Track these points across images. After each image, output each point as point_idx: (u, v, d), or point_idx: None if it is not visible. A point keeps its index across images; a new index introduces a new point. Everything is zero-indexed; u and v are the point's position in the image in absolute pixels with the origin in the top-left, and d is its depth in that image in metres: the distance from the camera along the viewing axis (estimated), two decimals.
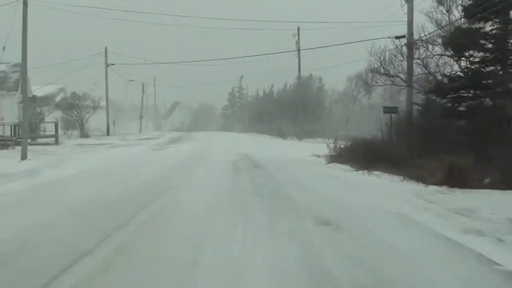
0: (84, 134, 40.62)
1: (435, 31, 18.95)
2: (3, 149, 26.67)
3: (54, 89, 50.74)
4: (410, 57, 19.88)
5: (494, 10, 14.67)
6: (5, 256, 5.34)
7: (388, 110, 19.49)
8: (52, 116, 46.63)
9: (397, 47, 19.07)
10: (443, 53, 17.98)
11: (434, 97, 18.98)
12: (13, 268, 4.92)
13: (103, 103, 45.38)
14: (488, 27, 15.62)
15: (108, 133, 45.29)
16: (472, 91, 16.16)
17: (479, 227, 6.66)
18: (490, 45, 15.61)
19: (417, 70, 19.15)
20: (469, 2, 16.26)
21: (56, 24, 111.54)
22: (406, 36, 20.74)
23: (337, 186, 11.63)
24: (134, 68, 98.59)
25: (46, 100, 43.93)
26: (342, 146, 18.79)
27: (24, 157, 20.75)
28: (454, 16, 18.81)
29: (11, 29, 23.39)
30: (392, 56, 18.61)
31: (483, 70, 15.82)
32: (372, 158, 15.76)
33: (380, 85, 19.22)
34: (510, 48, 15.39)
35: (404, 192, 9.94)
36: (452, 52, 17.06)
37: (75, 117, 41.52)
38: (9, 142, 28.61)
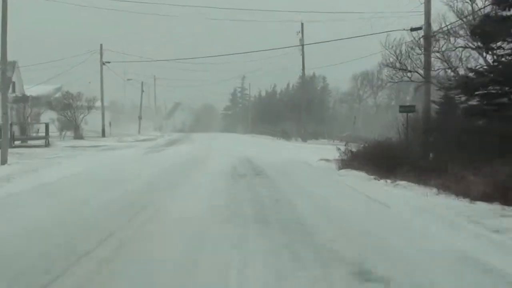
0: (78, 136, 38.74)
1: (457, 21, 17.03)
2: None
3: (50, 89, 49.06)
4: (428, 50, 17.97)
5: None
6: None
7: (404, 109, 17.58)
8: (48, 117, 44.97)
9: (414, 39, 17.15)
10: (467, 45, 16.08)
11: (453, 95, 17.25)
12: None
13: (98, 103, 43.51)
14: None
15: (103, 135, 43.38)
16: (499, 88, 14.31)
17: None
18: None
19: (437, 64, 17.22)
20: None
21: (54, 21, 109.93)
22: (423, 27, 18.87)
23: (360, 204, 9.32)
24: (134, 68, 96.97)
25: (41, 100, 42.20)
26: (354, 150, 16.91)
27: (3, 161, 18.88)
28: (477, 5, 16.93)
29: None
30: (409, 49, 16.68)
31: None
32: (391, 164, 13.89)
33: (396, 82, 17.28)
34: None
35: (452, 214, 7.73)
36: (478, 43, 15.16)
37: (68, 118, 39.64)
38: None
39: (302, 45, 44.18)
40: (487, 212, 7.53)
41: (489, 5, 15.31)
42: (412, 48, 16.80)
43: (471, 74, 14.76)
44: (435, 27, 16.92)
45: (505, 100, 14.21)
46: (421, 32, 18.21)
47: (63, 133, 39.22)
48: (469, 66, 15.85)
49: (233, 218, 7.63)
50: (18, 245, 5.97)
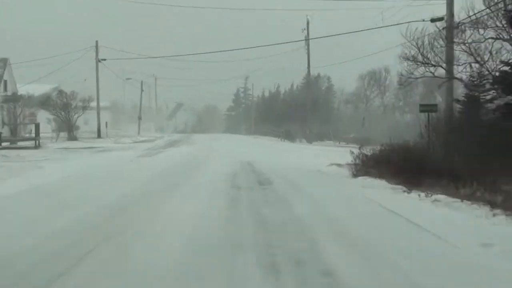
0: (72, 137, 36.87)
1: (485, 9, 15.11)
2: None
3: (48, 88, 47.34)
4: (451, 42, 16.10)
5: None
6: None
7: (425, 108, 15.70)
8: (45, 117, 43.17)
9: (438, 28, 15.25)
10: (498, 36, 14.19)
11: (478, 92, 15.44)
12: None
13: (95, 102, 41.68)
14: None
15: (99, 136, 41.51)
16: None
17: None
18: None
19: (463, 58, 15.32)
20: None
21: (54, 21, 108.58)
22: (446, 17, 16.99)
23: (408, 238, 6.53)
24: (134, 67, 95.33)
25: (38, 99, 40.42)
26: (368, 153, 15.04)
27: None
28: None
29: None
30: (432, 41, 14.77)
31: None
32: (415, 170, 12.03)
33: (417, 78, 15.38)
34: None
35: None
36: None
37: (62, 118, 37.78)
38: None
39: (308, 39, 42.31)
40: None
41: None
42: (435, 39, 14.87)
43: (507, 68, 12.89)
44: (462, 15, 14.98)
45: None
46: (444, 23, 16.34)
47: (57, 134, 37.36)
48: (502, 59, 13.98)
49: (229, 261, 5.30)
50: None
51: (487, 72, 14.62)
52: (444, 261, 5.44)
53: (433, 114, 15.35)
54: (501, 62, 13.62)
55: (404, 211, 8.13)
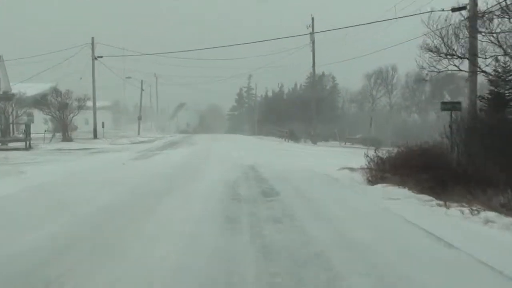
0: (67, 137, 35.34)
1: None
2: None
3: (46, 87, 45.94)
4: (474, 34, 14.50)
5: None
6: None
7: (447, 106, 14.20)
8: (42, 117, 41.75)
9: (463, 17, 13.67)
10: None
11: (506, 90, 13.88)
12: None
13: (91, 102, 40.17)
14: None
15: (95, 136, 39.97)
16: None
17: None
18: None
19: (490, 49, 13.69)
20: None
21: (53, 21, 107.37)
22: (468, 7, 15.42)
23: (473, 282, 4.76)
24: (136, 68, 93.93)
25: (35, 98, 38.97)
26: (383, 156, 13.48)
27: None
28: None
29: None
30: (457, 30, 13.18)
31: None
32: (441, 176, 10.47)
33: (440, 71, 13.78)
34: None
35: None
36: None
37: (56, 118, 36.27)
38: None
39: (312, 32, 40.67)
40: None
41: None
42: (459, 29, 13.28)
43: None
44: (491, 1, 13.35)
45: None
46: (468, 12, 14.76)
47: (53, 134, 35.89)
48: None
49: None
50: None
51: None
52: None
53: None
54: None
55: (457, 238, 6.10)
